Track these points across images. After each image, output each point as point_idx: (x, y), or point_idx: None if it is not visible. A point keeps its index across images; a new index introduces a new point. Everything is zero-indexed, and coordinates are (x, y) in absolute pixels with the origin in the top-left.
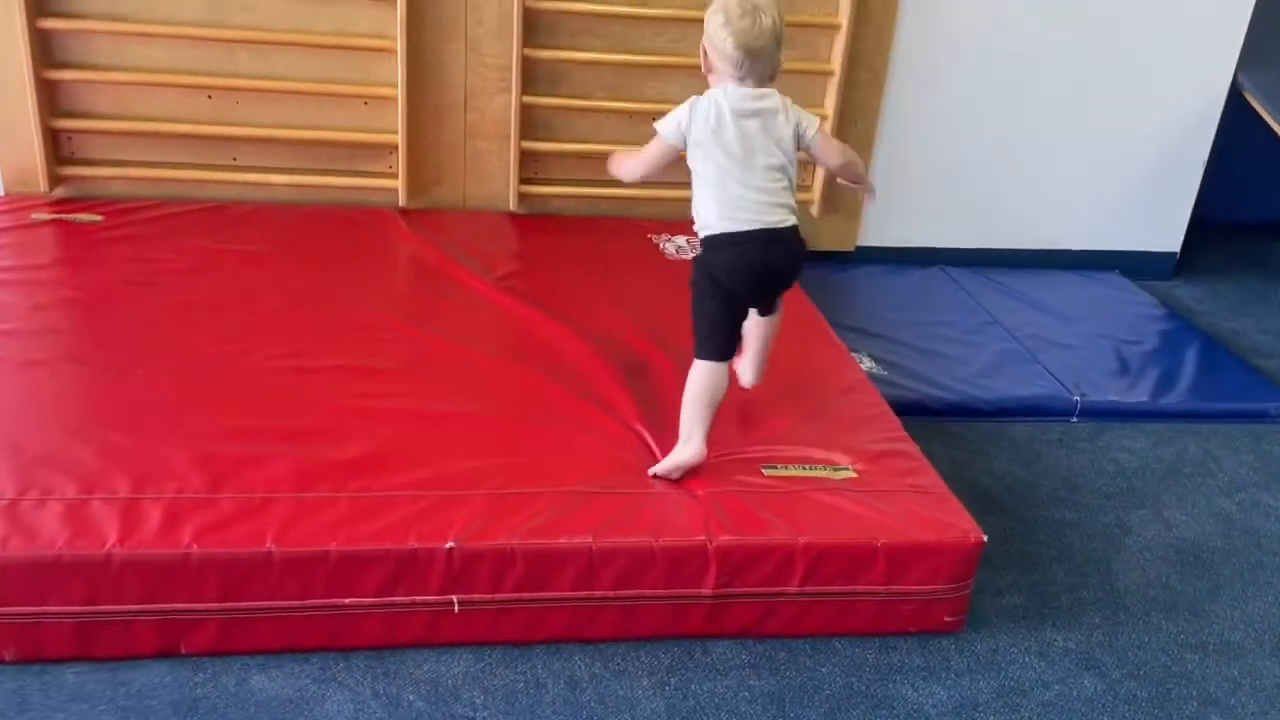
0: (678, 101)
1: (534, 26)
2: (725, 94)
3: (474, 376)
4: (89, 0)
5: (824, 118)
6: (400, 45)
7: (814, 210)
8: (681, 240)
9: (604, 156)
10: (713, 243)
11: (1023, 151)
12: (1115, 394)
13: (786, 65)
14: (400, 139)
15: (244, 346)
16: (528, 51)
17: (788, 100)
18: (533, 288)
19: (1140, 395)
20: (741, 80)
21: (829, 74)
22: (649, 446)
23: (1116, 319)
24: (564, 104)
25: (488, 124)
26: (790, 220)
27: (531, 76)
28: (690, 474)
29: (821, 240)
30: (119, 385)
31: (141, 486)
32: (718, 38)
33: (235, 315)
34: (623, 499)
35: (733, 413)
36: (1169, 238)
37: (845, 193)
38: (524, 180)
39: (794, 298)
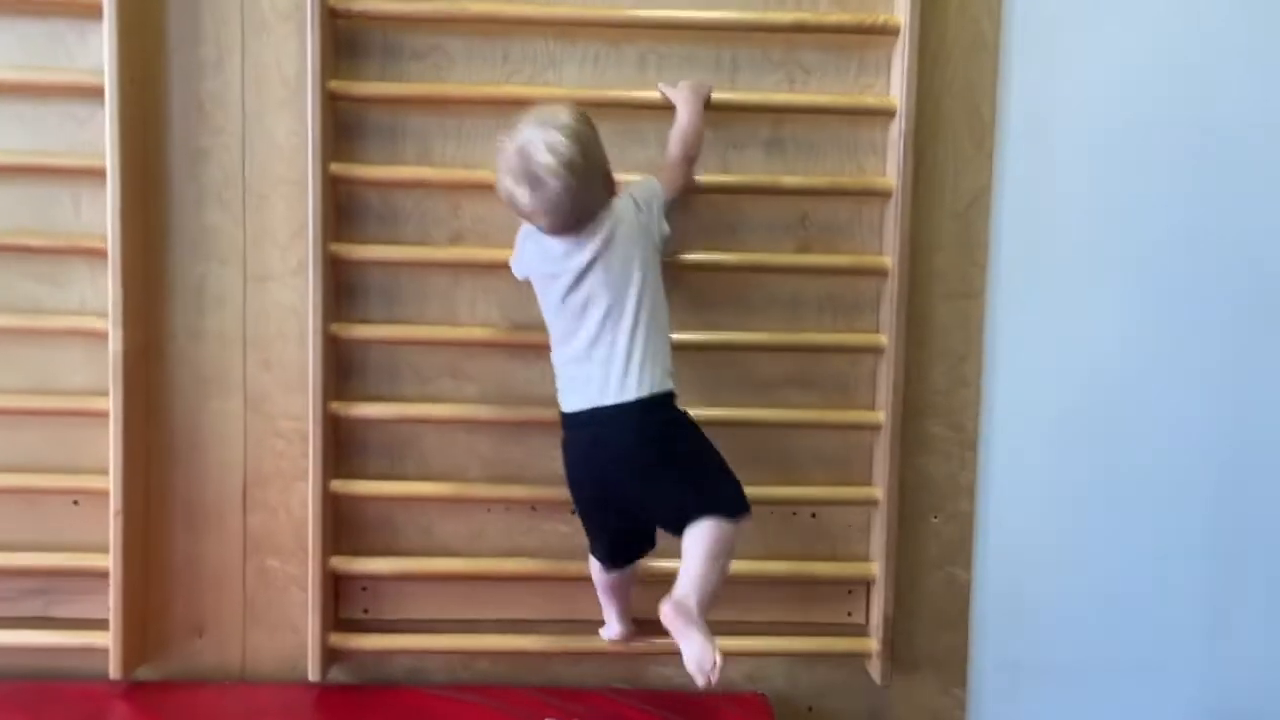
0: None
1: (356, 367)
2: (541, 242)
3: None
4: None
5: (871, 501)
6: (115, 404)
7: (874, 669)
8: None
9: (482, 577)
10: (561, 422)
11: (1252, 561)
12: None
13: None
14: (112, 562)
15: None
16: (339, 407)
17: (622, 206)
18: None
19: None
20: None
21: (873, 428)
22: None
23: None
24: (409, 493)
25: (281, 530)
26: (636, 392)
27: (354, 447)
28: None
29: None
30: None
31: None
32: (513, 204)
33: None
34: None
35: None
36: None
37: (932, 635)
38: (343, 624)
39: None
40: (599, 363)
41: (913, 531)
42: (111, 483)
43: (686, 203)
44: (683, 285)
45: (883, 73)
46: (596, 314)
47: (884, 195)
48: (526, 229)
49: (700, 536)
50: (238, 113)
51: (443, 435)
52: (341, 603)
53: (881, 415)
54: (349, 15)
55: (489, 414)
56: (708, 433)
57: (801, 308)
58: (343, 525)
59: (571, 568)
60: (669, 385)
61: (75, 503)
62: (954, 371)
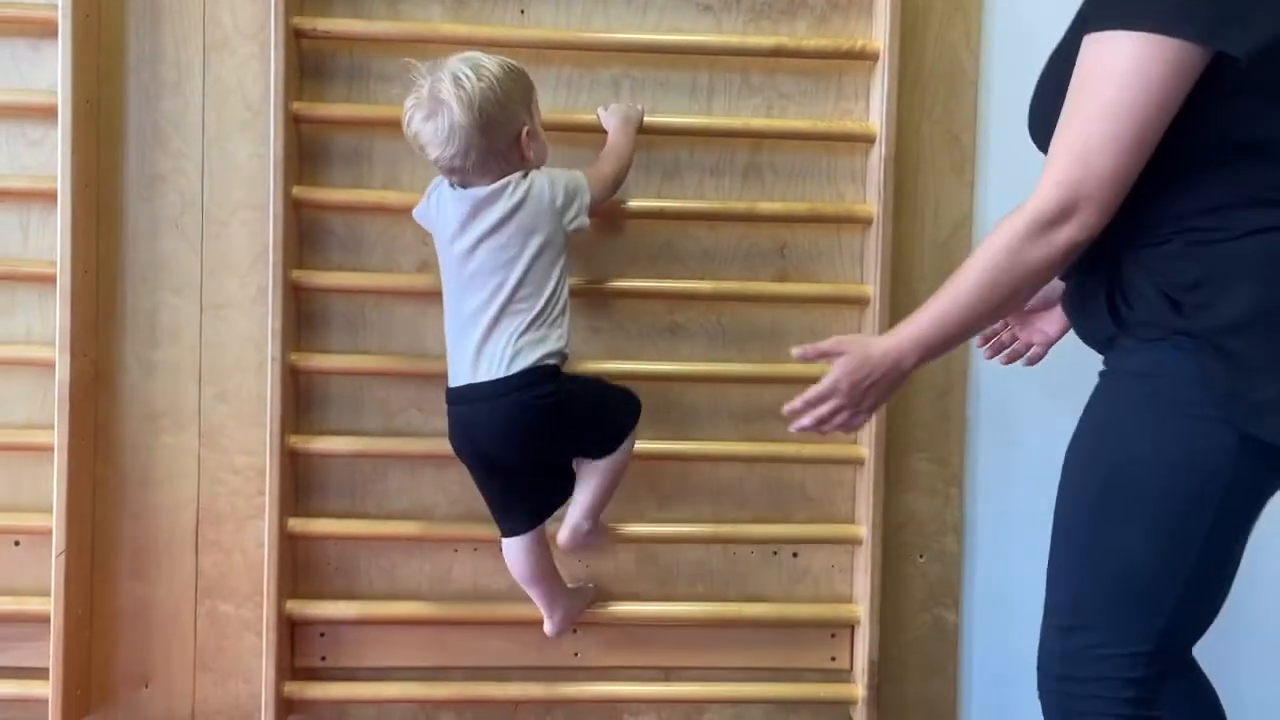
0: None
1: (317, 399)
2: (442, 200)
3: None
4: None
5: (855, 539)
6: (60, 437)
7: (859, 716)
8: None
9: (448, 622)
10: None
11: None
12: None
13: None
14: (54, 607)
15: None
16: (298, 441)
17: (537, 179)
18: None
19: None
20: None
21: (855, 463)
22: None
23: None
24: (371, 532)
25: (235, 572)
26: (522, 362)
27: (313, 484)
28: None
29: None
30: None
31: None
32: (413, 143)
33: None
34: None
35: None
36: None
37: (920, 681)
38: (299, 673)
39: None
40: (476, 338)
41: (898, 571)
42: (55, 522)
43: (664, 229)
44: (660, 315)
45: (862, 99)
46: (486, 286)
47: (864, 223)
48: (438, 179)
49: (599, 469)
50: (197, 136)
51: (408, 471)
52: (298, 649)
53: (864, 450)
54: (314, 35)
55: None
56: (680, 466)
57: (781, 338)
58: (300, 567)
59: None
60: (549, 362)
61: (16, 543)
62: (937, 404)
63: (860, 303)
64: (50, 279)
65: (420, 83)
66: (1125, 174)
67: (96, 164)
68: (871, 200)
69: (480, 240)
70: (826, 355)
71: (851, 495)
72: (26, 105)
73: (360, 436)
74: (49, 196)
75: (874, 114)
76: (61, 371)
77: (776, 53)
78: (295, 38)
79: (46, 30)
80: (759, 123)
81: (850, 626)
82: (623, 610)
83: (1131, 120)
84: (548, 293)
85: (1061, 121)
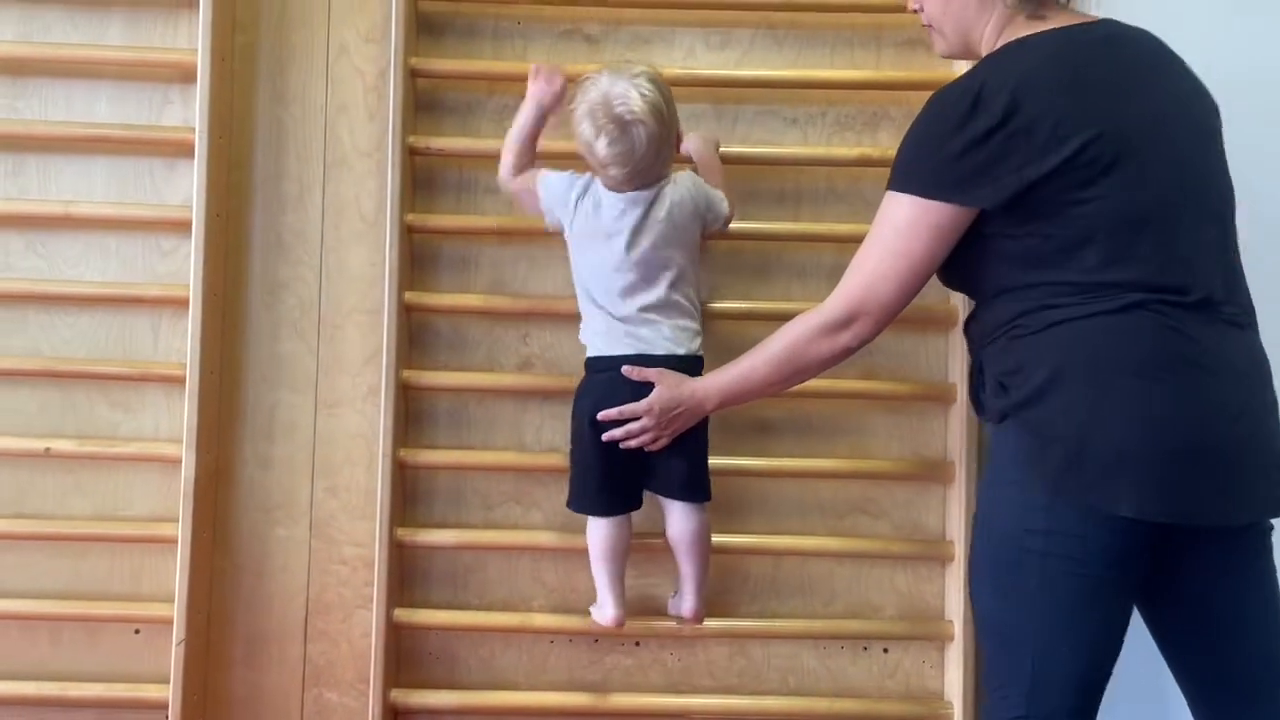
0: None
1: (422, 493)
2: (599, 198)
3: None
4: None
5: (946, 635)
6: (184, 529)
7: None
8: None
9: (545, 712)
10: (586, 365)
11: None
12: None
13: None
14: (172, 693)
15: None
16: (405, 534)
17: (684, 180)
18: None
19: None
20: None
21: (944, 559)
22: None
23: None
24: (472, 623)
25: (342, 661)
26: (680, 349)
27: (417, 575)
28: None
29: None
30: None
31: None
32: (589, 151)
33: None
34: None
35: None
36: None
37: None
38: None
39: None
40: (648, 318)
41: None
42: (176, 611)
43: (754, 330)
44: (750, 412)
45: None
46: (650, 276)
47: (947, 322)
48: (575, 183)
49: (697, 540)
50: (316, 245)
51: (506, 563)
52: None
53: (954, 545)
54: (427, 153)
55: (553, 541)
56: (772, 560)
57: (868, 435)
58: (404, 656)
59: (637, 702)
60: (702, 353)
61: (136, 631)
62: None
63: (945, 399)
64: (178, 379)
65: (588, 87)
66: (899, 301)
67: (224, 272)
68: (955, 301)
69: (644, 235)
70: (647, 379)
71: (941, 590)
72: (162, 219)
73: (462, 529)
74: (179, 303)
75: None
76: (187, 468)
77: (860, 162)
78: (409, 155)
79: (182, 150)
80: (844, 227)
81: None
82: (715, 704)
83: (905, 261)
84: (695, 289)
85: (860, 249)
